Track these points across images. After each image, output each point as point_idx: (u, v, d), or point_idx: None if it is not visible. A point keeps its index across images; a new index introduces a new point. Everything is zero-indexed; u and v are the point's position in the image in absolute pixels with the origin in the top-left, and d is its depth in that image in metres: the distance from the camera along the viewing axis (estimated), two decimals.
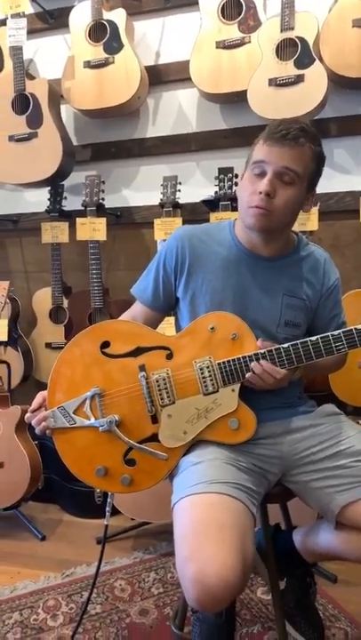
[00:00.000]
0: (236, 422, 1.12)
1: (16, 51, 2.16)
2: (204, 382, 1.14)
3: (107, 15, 2.15)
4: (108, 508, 1.20)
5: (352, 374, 1.89)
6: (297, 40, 1.90)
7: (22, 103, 2.19)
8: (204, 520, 0.94)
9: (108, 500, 1.21)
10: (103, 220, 2.16)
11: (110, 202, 2.29)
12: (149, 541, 1.91)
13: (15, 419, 2.00)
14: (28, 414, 1.17)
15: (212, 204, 2.06)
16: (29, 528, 2.02)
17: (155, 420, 1.14)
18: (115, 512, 1.89)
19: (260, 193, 1.10)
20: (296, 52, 1.90)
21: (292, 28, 1.90)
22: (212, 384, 1.13)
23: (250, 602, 1.54)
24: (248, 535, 0.95)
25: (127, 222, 2.37)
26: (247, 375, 1.11)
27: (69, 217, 2.28)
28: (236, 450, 1.12)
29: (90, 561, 1.80)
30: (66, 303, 2.31)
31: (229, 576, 0.87)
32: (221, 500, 0.98)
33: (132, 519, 1.94)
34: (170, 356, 1.16)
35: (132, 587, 1.65)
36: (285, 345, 1.11)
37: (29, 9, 2.23)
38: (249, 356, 1.12)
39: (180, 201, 2.11)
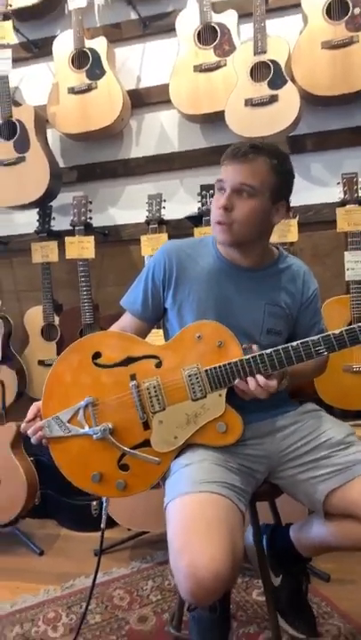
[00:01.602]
0: (224, 426, 1.17)
1: (2, 79, 2.25)
2: (193, 388, 1.19)
3: (88, 43, 2.24)
4: (103, 512, 1.24)
5: (338, 378, 1.96)
6: (270, 63, 2.01)
7: (9, 129, 2.26)
8: (194, 517, 0.99)
9: (104, 504, 1.25)
10: (91, 239, 2.22)
11: (98, 221, 2.36)
12: (146, 551, 1.94)
13: (10, 435, 2.03)
14: (23, 424, 1.22)
15: (195, 220, 2.14)
16: (27, 544, 2.04)
17: (146, 426, 1.19)
18: (112, 524, 1.92)
19: (220, 208, 1.19)
20: (269, 73, 2.00)
21: (265, 52, 2.01)
22: (200, 390, 1.19)
23: (245, 604, 1.58)
24: (237, 530, 1.00)
25: (115, 240, 2.44)
26: (235, 382, 1.15)
27: (58, 236, 2.35)
28: (225, 451, 1.17)
29: (88, 572, 1.82)
30: (57, 320, 2.36)
31: (219, 568, 0.92)
32: (211, 498, 1.03)
33: (129, 529, 1.97)
34: (159, 365, 1.22)
35: (130, 595, 1.68)
36: (268, 351, 1.17)
37: (14, 39, 2.32)
38: (234, 362, 1.17)
39: (165, 217, 2.19)
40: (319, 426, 1.24)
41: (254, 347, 1.18)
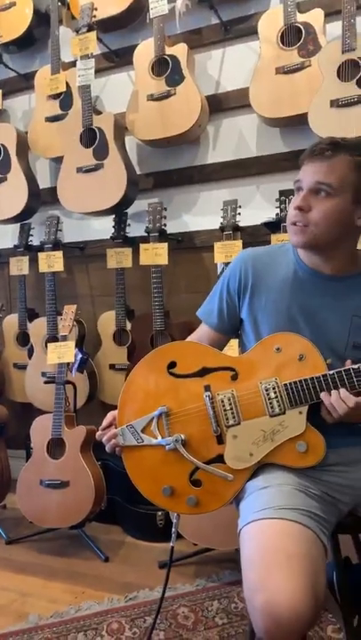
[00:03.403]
0: (304, 445, 1.09)
1: (84, 89, 2.30)
2: (270, 403, 1.12)
3: (169, 50, 2.24)
4: (174, 529, 1.19)
5: None
6: (359, 61, 1.89)
7: (90, 137, 2.31)
8: (272, 547, 0.92)
9: (175, 521, 1.20)
10: (165, 245, 2.21)
11: (172, 227, 2.34)
12: (212, 569, 1.87)
13: (80, 438, 2.04)
14: (98, 432, 1.20)
15: (272, 226, 2.06)
16: (93, 548, 2.04)
17: (220, 440, 1.13)
18: (177, 536, 1.87)
19: (295, 208, 1.12)
20: (359, 72, 1.89)
21: (354, 49, 1.90)
22: (279, 405, 1.11)
23: None
24: (319, 566, 0.91)
25: (187, 247, 2.41)
26: (321, 395, 1.07)
27: (133, 243, 2.36)
28: (305, 476, 1.09)
29: (152, 585, 1.79)
30: (129, 326, 2.36)
31: (301, 608, 0.83)
32: (291, 527, 0.95)
33: (195, 544, 1.92)
34: (235, 377, 1.16)
35: (195, 615, 1.62)
36: (355, 366, 1.08)
37: (97, 50, 2.37)
38: (317, 378, 1.09)
39: (241, 224, 2.13)
40: None
41: (347, 362, 1.09)
